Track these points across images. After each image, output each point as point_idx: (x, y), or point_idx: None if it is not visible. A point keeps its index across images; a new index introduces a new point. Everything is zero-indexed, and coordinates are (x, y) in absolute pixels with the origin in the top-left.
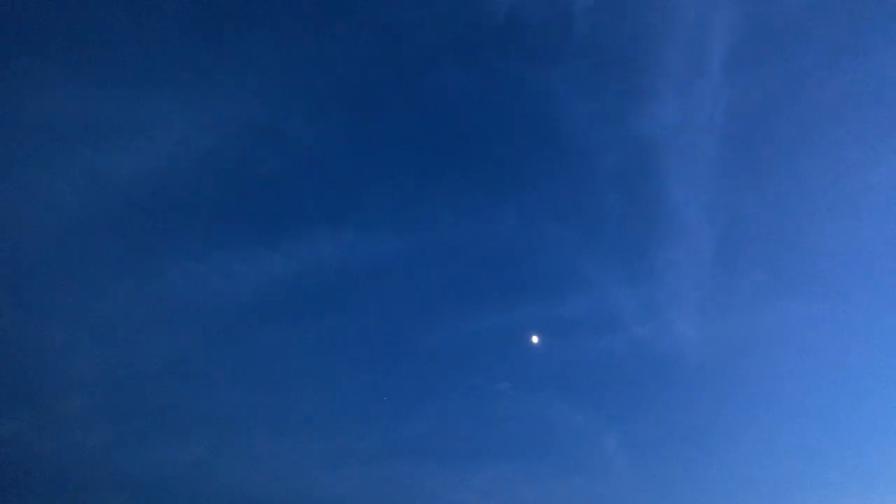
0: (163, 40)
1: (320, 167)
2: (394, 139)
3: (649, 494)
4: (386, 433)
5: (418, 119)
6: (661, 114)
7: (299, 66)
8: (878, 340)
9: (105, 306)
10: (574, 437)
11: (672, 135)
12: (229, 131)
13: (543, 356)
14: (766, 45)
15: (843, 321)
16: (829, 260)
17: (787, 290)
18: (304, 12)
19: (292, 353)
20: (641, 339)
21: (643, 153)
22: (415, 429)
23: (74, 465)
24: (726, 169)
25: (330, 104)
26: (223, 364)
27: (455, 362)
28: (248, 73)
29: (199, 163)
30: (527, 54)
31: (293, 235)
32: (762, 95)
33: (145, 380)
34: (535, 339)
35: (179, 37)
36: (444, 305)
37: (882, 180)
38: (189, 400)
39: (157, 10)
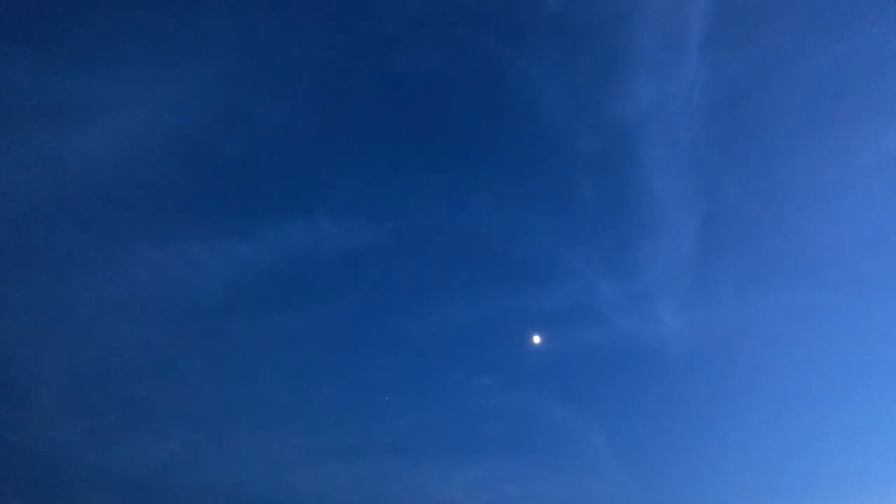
0: (122, 18)
1: (287, 151)
2: (361, 121)
3: (638, 491)
4: (367, 428)
5: (386, 100)
6: (637, 96)
7: (261, 43)
8: (869, 331)
9: (69, 298)
10: (560, 433)
11: (649, 118)
12: (192, 112)
13: (525, 350)
14: (746, 24)
15: (831, 312)
16: (815, 248)
17: (773, 280)
18: None
19: (267, 347)
20: (625, 331)
21: (619, 136)
22: (397, 424)
23: (48, 463)
24: (706, 154)
25: (294, 83)
26: (196, 357)
27: (435, 355)
28: (209, 51)
29: (162, 146)
30: (496, 31)
31: (262, 223)
32: (742, 77)
33: (116, 374)
34: (536, 339)
35: (139, 15)
36: (421, 296)
37: (866, 164)
38: (163, 394)
39: None
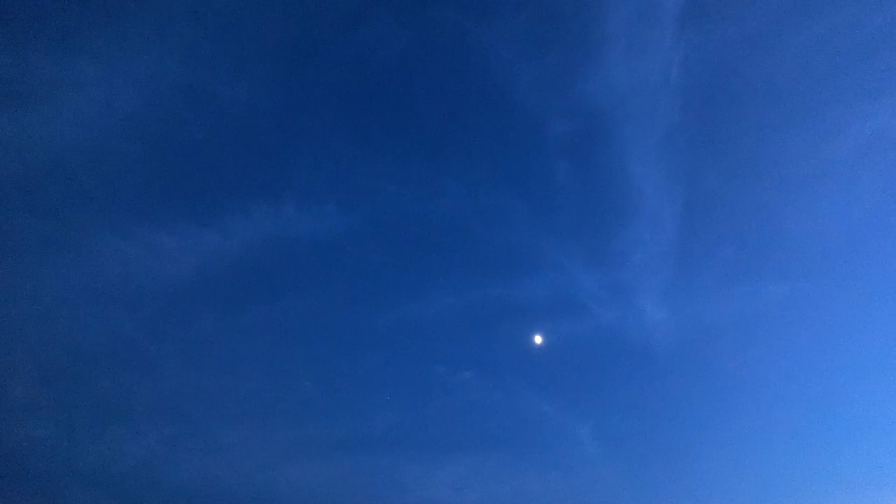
0: None
1: (251, 133)
2: (327, 101)
3: (626, 487)
4: (348, 423)
5: (352, 79)
6: (612, 75)
7: (222, 18)
8: (856, 322)
9: (31, 289)
10: (545, 429)
11: (624, 99)
12: (152, 91)
13: (506, 343)
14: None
15: (817, 303)
16: (799, 237)
17: (757, 271)
18: None
19: (241, 340)
20: (608, 324)
21: (593, 118)
22: (378, 419)
23: (20, 460)
24: (684, 138)
25: (257, 61)
26: (169, 350)
27: (413, 349)
28: (167, 26)
29: (122, 128)
30: (464, 7)
31: (228, 210)
32: (721, 56)
33: (87, 367)
34: (537, 339)
35: None
36: (395, 287)
37: (852, 149)
38: (137, 388)
39: None
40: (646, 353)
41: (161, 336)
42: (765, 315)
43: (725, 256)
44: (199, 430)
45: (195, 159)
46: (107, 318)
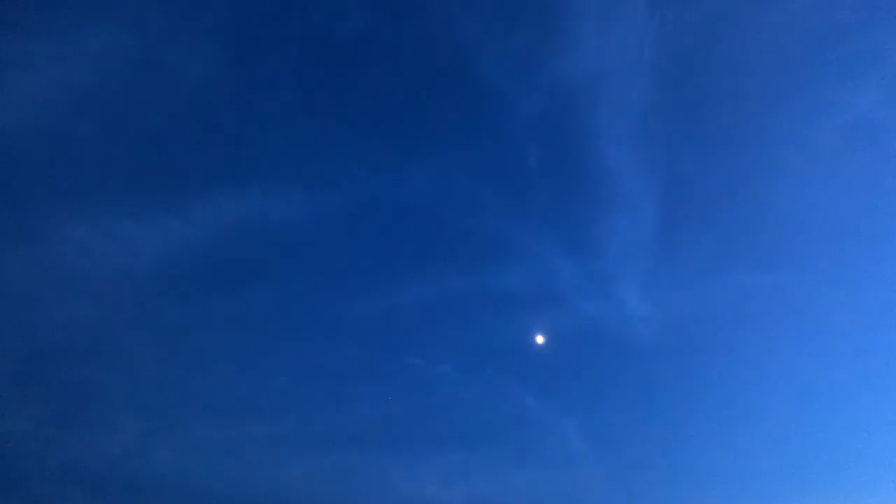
0: None
1: (210, 112)
2: (285, 79)
3: (613, 484)
4: (328, 418)
5: (309, 56)
6: (582, 54)
7: None
8: (843, 313)
9: None
10: (530, 425)
11: (596, 79)
12: (107, 68)
13: (483, 334)
14: None
15: (803, 294)
16: (783, 225)
17: (740, 261)
18: None
19: (211, 331)
20: (590, 315)
21: (564, 99)
22: (357, 414)
23: None
24: (661, 120)
25: (216, 37)
26: (138, 343)
27: (387, 340)
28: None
29: (77, 108)
30: None
31: (191, 195)
32: (697, 33)
33: (54, 361)
34: (539, 339)
35: None
36: (366, 275)
37: (837, 131)
38: (108, 382)
39: None
40: (629, 345)
41: (130, 328)
42: (750, 307)
43: (707, 245)
44: (174, 426)
45: (155, 140)
46: (72, 309)
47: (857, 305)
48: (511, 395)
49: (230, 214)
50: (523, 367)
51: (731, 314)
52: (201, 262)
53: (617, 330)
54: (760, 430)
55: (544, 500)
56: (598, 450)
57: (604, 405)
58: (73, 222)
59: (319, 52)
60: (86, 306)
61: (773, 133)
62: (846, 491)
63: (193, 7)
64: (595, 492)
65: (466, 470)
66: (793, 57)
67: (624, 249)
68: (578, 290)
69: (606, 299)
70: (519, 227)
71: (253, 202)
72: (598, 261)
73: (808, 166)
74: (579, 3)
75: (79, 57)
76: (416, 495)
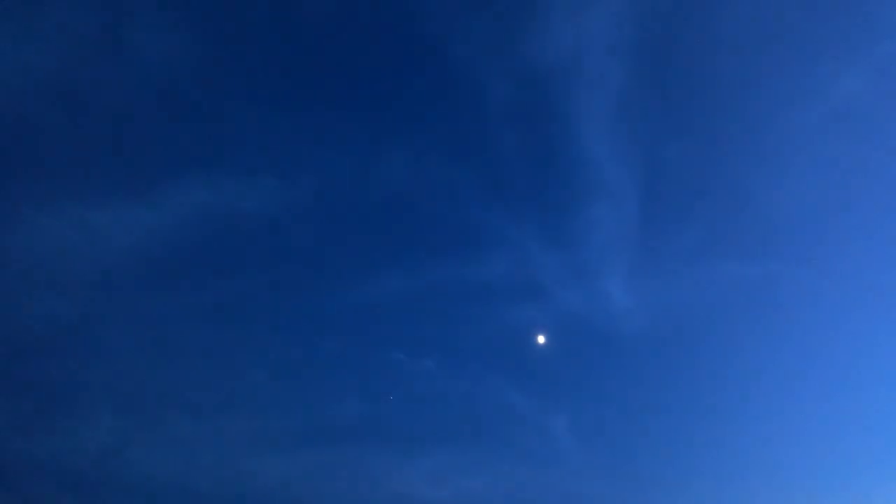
0: None
1: (175, 92)
2: (257, 65)
3: (602, 480)
4: (311, 414)
5: (281, 41)
6: (555, 36)
7: None
8: (834, 301)
9: None
10: (517, 421)
11: (570, 61)
12: (64, 45)
13: (465, 327)
14: None
15: (789, 283)
16: (766, 213)
17: (723, 251)
18: None
19: (187, 324)
20: (574, 308)
21: (538, 83)
22: (341, 410)
23: None
24: (639, 105)
25: (180, 17)
26: (113, 336)
27: (367, 334)
28: None
29: (38, 89)
30: None
31: (159, 182)
32: (674, 12)
33: (24, 355)
34: (540, 339)
35: None
36: (342, 265)
37: (821, 114)
38: (84, 378)
39: None
40: (615, 338)
41: (103, 321)
42: (737, 298)
43: (691, 235)
44: (153, 423)
45: (120, 126)
46: (43, 301)
47: (846, 295)
48: (496, 390)
49: (202, 203)
50: (508, 362)
51: (718, 306)
52: (175, 254)
53: (602, 322)
54: (749, 423)
55: (533, 497)
56: (588, 446)
57: (593, 400)
58: (39, 212)
59: (289, 35)
60: (56, 299)
61: (755, 118)
62: (834, 481)
63: None
64: (584, 487)
65: (454, 467)
66: (774, 39)
67: (606, 239)
68: (561, 282)
69: (590, 291)
70: (498, 215)
71: (225, 190)
72: (580, 251)
73: (792, 152)
74: None
75: (35, 37)
76: (403, 493)
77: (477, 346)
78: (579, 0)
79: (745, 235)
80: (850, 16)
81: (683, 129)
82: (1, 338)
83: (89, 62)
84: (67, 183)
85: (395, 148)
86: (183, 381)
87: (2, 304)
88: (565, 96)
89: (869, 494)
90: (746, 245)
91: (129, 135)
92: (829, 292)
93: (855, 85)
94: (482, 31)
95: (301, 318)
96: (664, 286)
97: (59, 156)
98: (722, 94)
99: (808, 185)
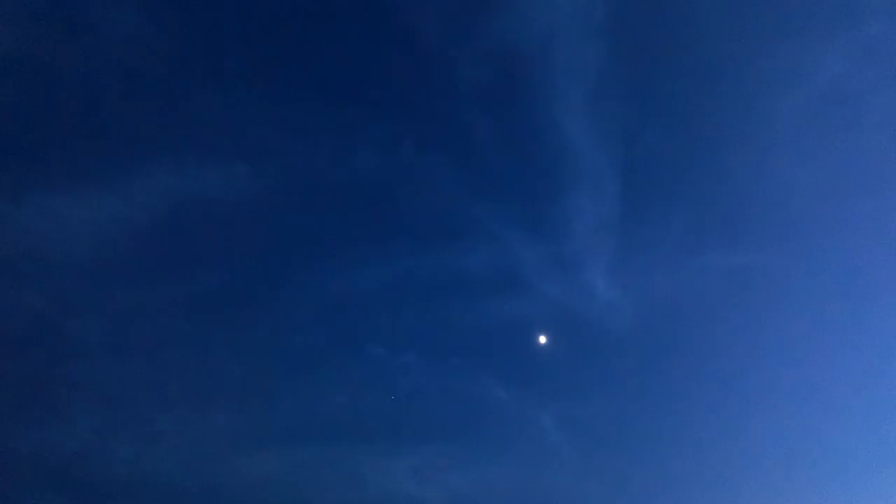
0: None
1: (138, 73)
2: (223, 47)
3: (591, 477)
4: (291, 410)
5: (247, 23)
6: (527, 17)
7: None
8: (825, 292)
9: None
10: (504, 417)
11: (545, 42)
12: (20, 28)
13: (444, 321)
14: None
15: (780, 272)
16: (750, 202)
17: (708, 241)
18: None
19: (163, 318)
20: (556, 300)
21: (511, 65)
22: (323, 405)
23: None
24: (618, 90)
25: None
26: (85, 331)
27: (345, 327)
28: None
29: None
30: None
31: (124, 169)
32: None
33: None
34: (542, 339)
35: None
36: (317, 256)
37: (805, 100)
38: (60, 373)
39: None
40: (600, 331)
41: (73, 314)
42: (725, 290)
43: (675, 224)
44: (132, 419)
45: (82, 108)
46: (11, 293)
47: (837, 286)
48: (481, 385)
49: (172, 190)
50: (491, 356)
51: (705, 297)
52: (147, 243)
53: (586, 314)
54: (738, 417)
55: (521, 494)
56: (573, 440)
57: (580, 396)
58: (0, 200)
59: (258, 19)
60: (26, 291)
61: (739, 102)
62: (828, 477)
63: None
64: (573, 484)
65: (440, 464)
66: (758, 21)
67: (588, 229)
68: (543, 274)
69: (573, 283)
70: (475, 204)
71: (195, 177)
72: (562, 242)
73: (777, 137)
74: None
75: None
76: (389, 490)
77: (458, 340)
78: None
79: (731, 224)
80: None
81: (665, 114)
82: None
83: (48, 42)
84: (29, 170)
85: (366, 134)
86: (160, 375)
87: None
88: (540, 79)
89: (857, 489)
90: (732, 234)
91: (93, 119)
92: (819, 281)
93: (841, 67)
94: (452, 12)
95: (277, 310)
96: (649, 277)
97: (17, 142)
98: (704, 78)
99: (795, 172)
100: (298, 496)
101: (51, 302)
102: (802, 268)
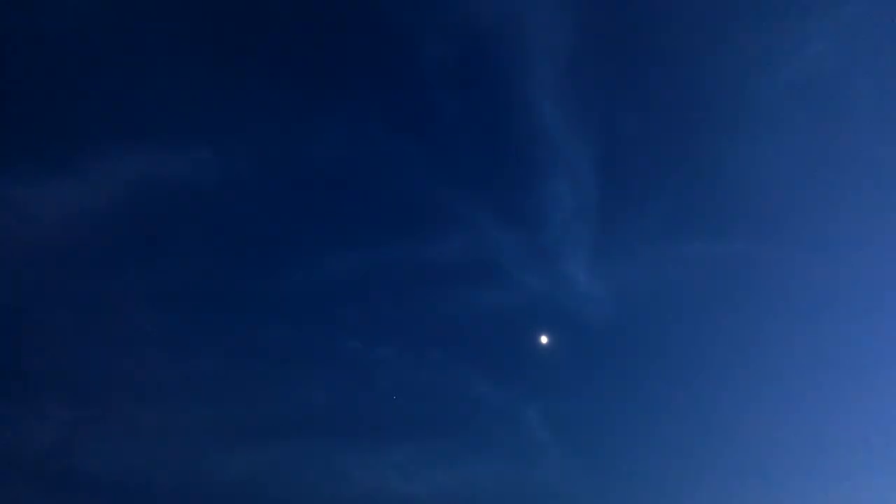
0: None
1: (97, 54)
2: (183, 25)
3: (575, 472)
4: (271, 405)
5: (208, 1)
6: None
7: None
8: (808, 280)
9: None
10: (488, 413)
11: (514, 21)
12: None
13: (420, 312)
14: None
15: (762, 260)
16: (731, 188)
17: (691, 227)
18: None
19: (130, 308)
20: (535, 291)
21: (479, 43)
22: (300, 400)
23: None
24: (594, 70)
25: None
26: (51, 322)
27: (317, 320)
28: None
29: None
30: None
31: (83, 152)
32: None
33: None
34: (543, 340)
35: None
36: (287, 243)
37: (788, 81)
38: (28, 365)
39: None
40: (581, 322)
41: (40, 303)
42: (706, 279)
43: (655, 211)
44: (103, 413)
45: (33, 88)
46: None
47: (820, 272)
48: (462, 379)
49: (132, 175)
50: (471, 349)
51: (686, 287)
52: (108, 230)
53: (566, 305)
54: (724, 411)
55: (507, 489)
56: (556, 435)
57: (564, 390)
58: None
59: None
60: None
61: (718, 85)
62: (816, 467)
63: None
64: (557, 479)
65: (424, 460)
66: (737, 1)
67: (566, 217)
68: (521, 264)
69: (552, 273)
70: (447, 189)
71: (155, 161)
72: (539, 230)
73: (758, 120)
74: None
75: None
76: (374, 486)
77: (436, 332)
78: None
79: (712, 211)
80: None
81: (642, 96)
82: None
83: (3, 25)
84: None
85: (331, 116)
86: (130, 367)
87: None
88: (509, 59)
89: (846, 486)
90: (714, 222)
91: (46, 100)
92: (803, 269)
93: (822, 48)
94: None
95: (247, 300)
96: (629, 266)
97: None
98: (682, 60)
99: (777, 155)
100: (277, 493)
101: (11, 291)
102: (786, 254)
